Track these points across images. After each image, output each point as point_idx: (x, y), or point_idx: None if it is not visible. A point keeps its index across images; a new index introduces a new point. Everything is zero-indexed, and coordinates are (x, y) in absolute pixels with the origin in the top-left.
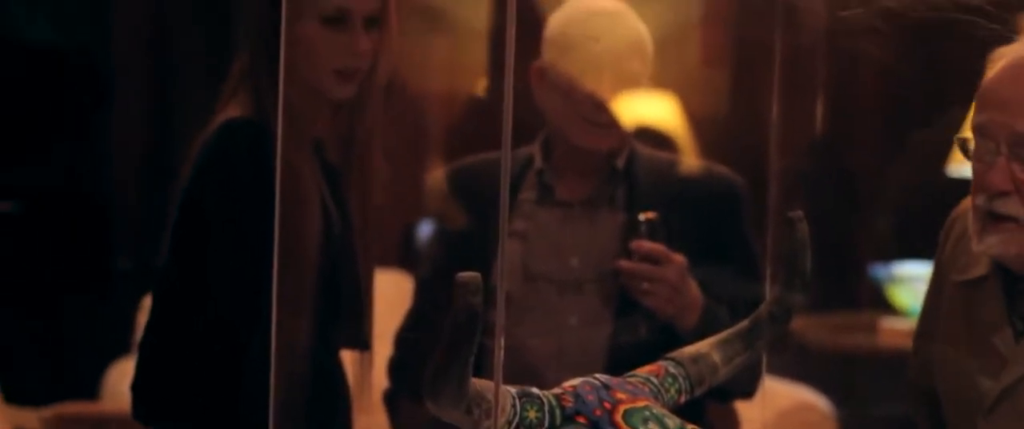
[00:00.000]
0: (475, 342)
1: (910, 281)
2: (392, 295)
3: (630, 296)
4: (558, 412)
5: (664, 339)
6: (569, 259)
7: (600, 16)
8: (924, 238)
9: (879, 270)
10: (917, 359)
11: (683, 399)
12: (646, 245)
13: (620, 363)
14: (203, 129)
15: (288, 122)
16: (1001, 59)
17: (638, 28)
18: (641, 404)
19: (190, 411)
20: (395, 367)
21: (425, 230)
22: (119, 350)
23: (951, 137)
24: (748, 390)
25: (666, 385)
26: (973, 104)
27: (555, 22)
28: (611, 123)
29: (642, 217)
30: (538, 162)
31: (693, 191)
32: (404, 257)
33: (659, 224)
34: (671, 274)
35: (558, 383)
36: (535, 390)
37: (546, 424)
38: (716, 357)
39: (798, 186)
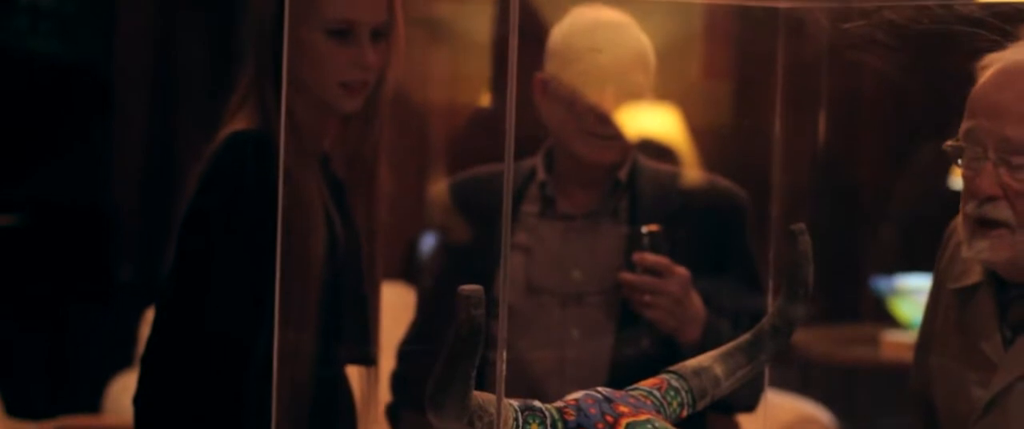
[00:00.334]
0: (477, 355)
1: (912, 294)
2: (395, 307)
3: (632, 309)
4: (560, 425)
5: (666, 352)
6: (571, 272)
7: (603, 28)
8: (926, 251)
9: (881, 283)
10: (917, 368)
11: (685, 413)
12: (649, 257)
13: (622, 376)
14: (209, 141)
15: (293, 135)
16: (990, 66)
17: (641, 40)
18: (643, 417)
19: (192, 425)
20: (397, 380)
21: (428, 242)
22: (121, 363)
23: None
24: (750, 403)
25: (668, 398)
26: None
27: (558, 34)
28: (614, 135)
29: (645, 229)
30: (541, 174)
31: (696, 204)
32: (406, 269)
33: (662, 237)
34: (674, 287)
35: (560, 396)
36: (537, 403)
37: None
38: (718, 370)
39: (800, 199)
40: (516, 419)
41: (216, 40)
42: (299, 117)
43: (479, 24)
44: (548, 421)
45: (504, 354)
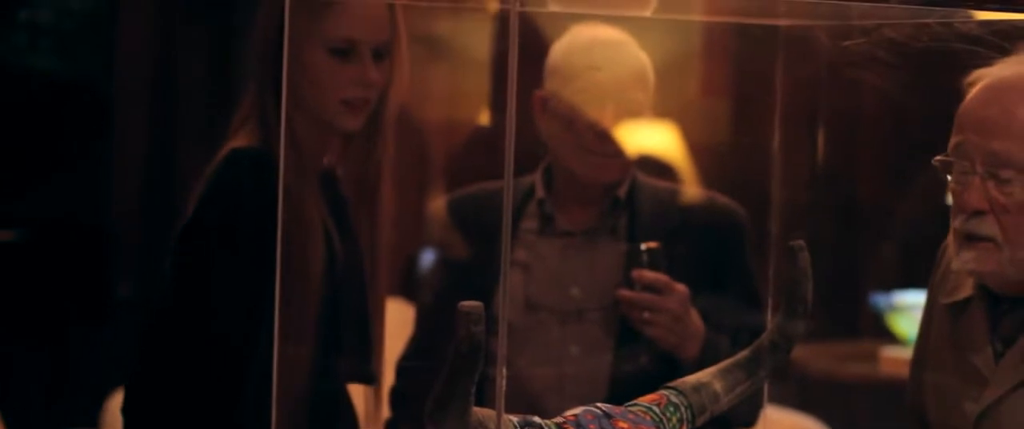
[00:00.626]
0: (477, 371)
1: (911, 310)
2: (394, 323)
3: (631, 326)
4: None
5: (665, 368)
6: (570, 289)
7: (602, 46)
8: (925, 267)
9: (880, 299)
10: (912, 383)
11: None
12: (648, 275)
13: (622, 392)
14: (210, 158)
15: (294, 152)
16: (978, 82)
17: (640, 58)
18: None
19: None
20: (397, 396)
21: (427, 259)
22: (120, 379)
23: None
24: (749, 419)
25: (668, 414)
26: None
27: (557, 52)
28: (613, 154)
29: (644, 246)
30: (539, 192)
31: (695, 221)
32: (405, 285)
33: (661, 253)
34: (673, 304)
35: (560, 412)
36: (537, 419)
37: None
38: (717, 386)
39: (799, 215)
40: None
41: (216, 57)
42: (300, 135)
43: (478, 42)
44: None
45: (504, 370)
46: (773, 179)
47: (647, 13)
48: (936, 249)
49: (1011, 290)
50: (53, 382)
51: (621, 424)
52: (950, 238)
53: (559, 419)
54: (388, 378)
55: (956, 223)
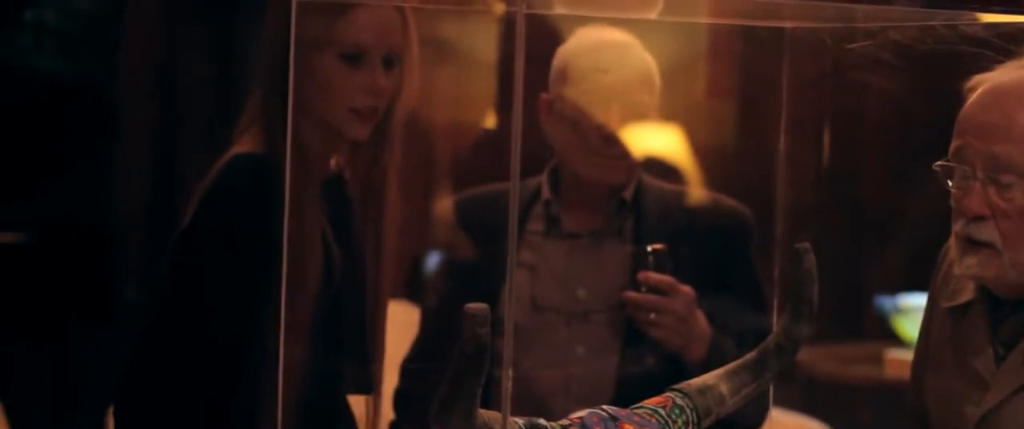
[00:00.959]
0: (483, 373)
1: (916, 312)
2: (398, 326)
3: (637, 327)
4: None
5: (671, 370)
6: (576, 290)
7: (608, 48)
8: (930, 270)
9: (885, 301)
10: (913, 386)
11: None
12: (654, 276)
13: (627, 394)
14: (216, 161)
15: (298, 159)
16: (979, 86)
17: (646, 60)
18: None
19: None
20: (401, 398)
21: (432, 260)
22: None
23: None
24: (755, 422)
25: (673, 416)
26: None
27: (563, 54)
28: (619, 156)
29: (650, 248)
30: (545, 193)
31: (701, 222)
32: (410, 287)
33: (667, 255)
34: (679, 306)
35: (565, 414)
36: (542, 421)
37: None
38: (723, 388)
39: (805, 218)
40: None
41: (221, 59)
42: (305, 141)
43: (484, 44)
44: None
45: (510, 372)
46: (778, 181)
47: (653, 15)
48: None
49: (1012, 294)
50: (59, 385)
51: (627, 426)
52: (951, 241)
53: (565, 421)
54: (388, 387)
55: (957, 227)
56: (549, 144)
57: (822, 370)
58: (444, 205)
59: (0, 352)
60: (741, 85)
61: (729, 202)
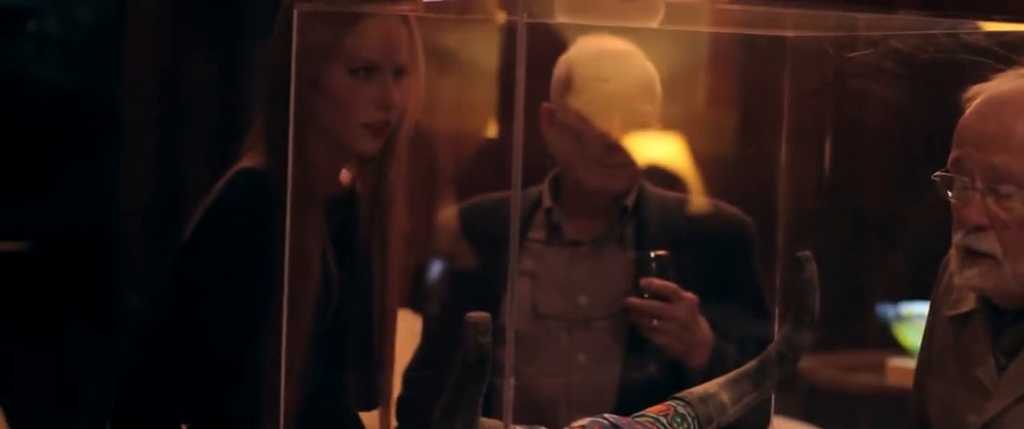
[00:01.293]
0: (485, 382)
1: (917, 320)
2: (401, 334)
3: (639, 334)
4: None
5: (673, 378)
6: (578, 298)
7: (610, 57)
8: (931, 278)
9: (887, 310)
10: (916, 394)
11: None
12: (656, 282)
13: (629, 402)
14: (217, 168)
15: (304, 174)
16: (977, 96)
17: (648, 69)
18: None
19: None
20: (403, 407)
21: (434, 269)
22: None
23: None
24: None
25: (675, 425)
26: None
27: (565, 63)
28: (621, 164)
29: (652, 254)
30: (547, 201)
31: (702, 230)
32: (412, 296)
33: (669, 261)
34: (682, 312)
35: (567, 423)
36: None
37: None
38: (725, 397)
39: (806, 226)
40: None
41: (222, 67)
42: (312, 156)
43: (485, 53)
44: None
45: (511, 380)
46: (780, 189)
47: (655, 24)
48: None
49: (1013, 303)
50: (61, 391)
51: None
52: (952, 252)
53: None
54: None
55: (957, 238)
56: (550, 153)
57: (824, 378)
58: (445, 214)
59: (2, 355)
60: (743, 94)
61: (731, 210)
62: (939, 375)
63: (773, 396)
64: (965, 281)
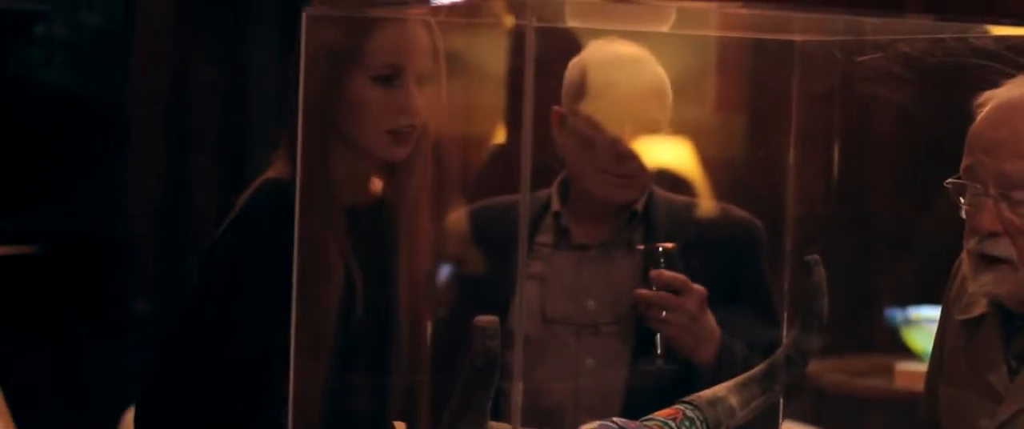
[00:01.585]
0: (493, 386)
1: (926, 324)
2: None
3: (648, 333)
4: None
5: (681, 382)
6: (586, 302)
7: (625, 62)
8: (940, 282)
9: (896, 313)
10: (927, 398)
11: None
12: (666, 274)
13: (637, 406)
14: (227, 173)
15: (327, 184)
16: (988, 102)
17: (659, 74)
18: None
19: None
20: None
21: (442, 273)
22: (135, 395)
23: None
24: None
25: (683, 428)
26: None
27: (578, 67)
28: (631, 174)
29: (660, 247)
30: (555, 205)
31: (711, 234)
32: None
33: (678, 255)
34: (691, 304)
35: (575, 427)
36: None
37: None
38: (733, 401)
39: (815, 230)
40: None
41: (231, 72)
42: (335, 165)
43: (495, 57)
44: None
45: (520, 385)
46: (788, 193)
47: (665, 28)
48: (952, 263)
49: None
50: (70, 395)
51: None
52: (964, 255)
53: None
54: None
55: (970, 245)
56: (559, 156)
57: (832, 382)
58: (454, 217)
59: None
60: (751, 98)
61: (739, 213)
62: (950, 379)
63: (782, 400)
64: (979, 288)
